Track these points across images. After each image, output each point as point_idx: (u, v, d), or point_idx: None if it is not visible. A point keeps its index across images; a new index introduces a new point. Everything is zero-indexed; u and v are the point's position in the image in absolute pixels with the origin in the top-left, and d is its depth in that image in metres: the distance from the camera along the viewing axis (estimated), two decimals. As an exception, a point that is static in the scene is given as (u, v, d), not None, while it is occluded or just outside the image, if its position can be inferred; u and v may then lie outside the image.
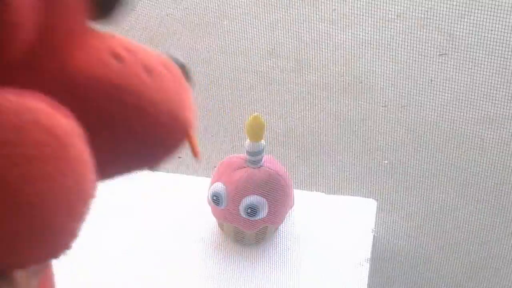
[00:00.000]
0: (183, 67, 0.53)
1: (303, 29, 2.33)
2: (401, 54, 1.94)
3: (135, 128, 0.45)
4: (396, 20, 2.26)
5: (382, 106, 2.10)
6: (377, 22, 2.12)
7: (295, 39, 2.35)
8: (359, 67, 2.21)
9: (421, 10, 2.23)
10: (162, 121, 0.47)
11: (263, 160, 1.45)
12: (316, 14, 2.28)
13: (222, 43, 2.30)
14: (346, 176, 1.89)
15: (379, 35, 2.13)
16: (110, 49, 0.46)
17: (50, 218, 0.38)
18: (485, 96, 1.81)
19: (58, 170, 0.37)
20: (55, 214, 0.38)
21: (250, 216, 1.42)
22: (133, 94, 0.45)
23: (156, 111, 0.46)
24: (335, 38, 2.16)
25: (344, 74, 2.20)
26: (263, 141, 1.41)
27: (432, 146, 1.95)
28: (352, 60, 2.21)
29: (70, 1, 0.45)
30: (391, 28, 2.20)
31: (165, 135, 0.49)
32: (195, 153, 0.54)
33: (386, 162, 1.93)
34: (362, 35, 2.06)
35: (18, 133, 0.36)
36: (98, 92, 0.43)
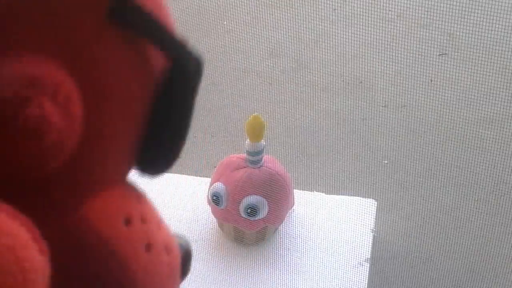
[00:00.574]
0: (185, 254, 0.53)
1: (303, 29, 2.33)
2: (401, 54, 1.94)
3: None
4: (396, 20, 2.26)
5: (382, 106, 2.10)
6: (377, 22, 2.11)
7: (295, 39, 2.36)
8: (359, 67, 2.21)
9: (421, 10, 2.23)
10: None
11: (263, 160, 1.45)
12: (316, 14, 2.28)
13: (222, 43, 2.30)
14: (346, 176, 1.89)
15: (379, 35, 2.12)
16: (126, 212, 0.46)
17: None
18: (485, 96, 1.81)
19: None
20: None
21: (250, 216, 1.42)
22: (122, 266, 0.44)
23: None
24: (335, 38, 2.16)
25: (344, 74, 2.20)
26: (263, 141, 1.41)
27: (432, 146, 1.95)
28: (352, 60, 2.21)
29: (114, 151, 0.45)
30: (391, 28, 2.20)
31: None
32: None
33: (386, 162, 1.93)
34: (362, 35, 2.06)
35: None
36: (91, 247, 0.43)
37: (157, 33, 0.44)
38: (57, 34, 0.40)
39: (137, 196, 0.49)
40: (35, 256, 0.39)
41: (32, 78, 0.38)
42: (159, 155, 0.48)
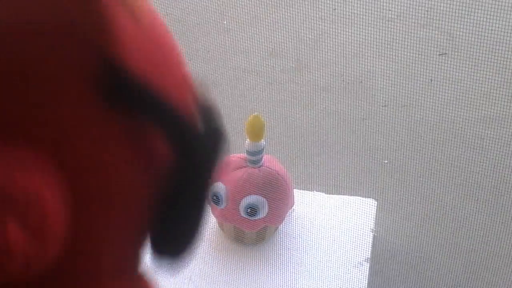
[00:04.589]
0: None
1: (303, 29, 2.33)
2: (401, 54, 1.94)
3: None
4: (396, 20, 2.26)
5: (382, 106, 2.10)
6: (377, 22, 2.12)
7: (295, 39, 2.36)
8: (359, 67, 2.21)
9: (421, 10, 2.23)
10: None
11: (263, 160, 1.45)
12: (316, 14, 2.28)
13: (222, 42, 2.30)
14: (346, 176, 1.89)
15: (379, 35, 2.12)
16: None
17: None
18: (485, 96, 1.81)
19: None
20: None
21: (250, 216, 1.42)
22: None
23: None
24: (335, 38, 2.16)
25: (344, 74, 2.20)
26: (263, 141, 1.41)
27: (432, 146, 1.95)
28: (352, 60, 2.21)
29: (108, 251, 0.40)
30: (391, 28, 2.20)
31: None
32: None
33: (386, 162, 1.93)
34: (362, 35, 2.06)
35: None
36: None
37: (159, 115, 0.37)
38: (37, 123, 0.33)
39: None
40: None
41: None
42: (170, 243, 0.43)
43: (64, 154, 0.34)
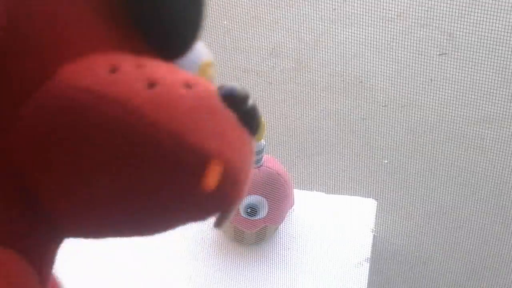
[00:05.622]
0: (238, 99, 0.44)
1: (303, 29, 2.33)
2: (401, 54, 1.94)
3: (125, 152, 0.38)
4: (396, 20, 2.26)
5: (382, 106, 2.10)
6: (377, 22, 2.12)
7: (295, 39, 2.35)
8: (359, 67, 2.21)
9: (421, 10, 2.23)
10: (162, 144, 0.38)
11: (263, 160, 1.45)
12: (316, 13, 2.28)
13: (222, 42, 2.30)
14: (346, 176, 1.89)
15: (379, 35, 2.12)
16: (109, 62, 0.40)
17: None
18: (485, 96, 1.81)
19: None
20: None
21: (250, 216, 1.42)
22: (117, 105, 0.38)
23: (153, 131, 0.38)
24: (335, 38, 2.16)
25: (344, 74, 2.19)
26: (263, 141, 1.41)
27: (432, 146, 1.95)
28: (352, 60, 2.21)
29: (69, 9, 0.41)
30: (391, 28, 2.20)
31: (168, 165, 0.38)
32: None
33: (386, 162, 1.93)
34: (362, 35, 2.06)
35: None
36: (75, 102, 0.38)
37: None
38: None
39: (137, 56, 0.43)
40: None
41: None
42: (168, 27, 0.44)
43: None
